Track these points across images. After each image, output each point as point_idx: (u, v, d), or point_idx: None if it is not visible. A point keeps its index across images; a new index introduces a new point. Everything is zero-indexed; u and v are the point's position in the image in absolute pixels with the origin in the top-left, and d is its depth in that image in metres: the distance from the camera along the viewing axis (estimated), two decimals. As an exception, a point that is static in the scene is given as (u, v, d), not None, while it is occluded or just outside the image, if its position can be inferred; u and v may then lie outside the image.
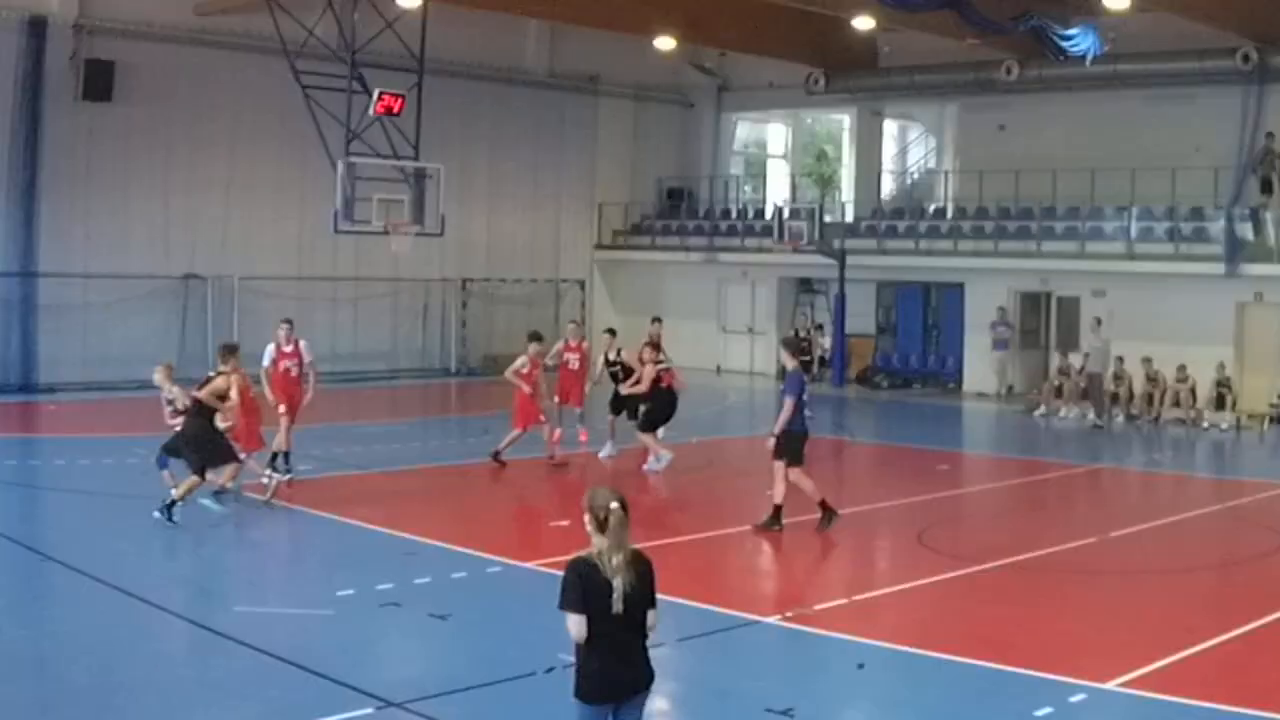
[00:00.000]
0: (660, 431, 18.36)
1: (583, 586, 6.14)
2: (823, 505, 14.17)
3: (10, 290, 25.42)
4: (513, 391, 17.77)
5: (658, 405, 18.12)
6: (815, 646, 10.20)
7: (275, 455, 15.80)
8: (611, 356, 18.97)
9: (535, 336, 18.22)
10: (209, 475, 13.48)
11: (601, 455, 18.65)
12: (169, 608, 10.63)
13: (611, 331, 20.35)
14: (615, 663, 6.20)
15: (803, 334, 25.34)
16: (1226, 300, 25.34)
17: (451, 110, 29.69)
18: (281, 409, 16.07)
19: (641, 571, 6.27)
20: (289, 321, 16.83)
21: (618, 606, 6.12)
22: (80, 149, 25.99)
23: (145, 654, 9.67)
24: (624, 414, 18.75)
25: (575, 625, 6.14)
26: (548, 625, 10.56)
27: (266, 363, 16.24)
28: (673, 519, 15.03)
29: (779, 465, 14.00)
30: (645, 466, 17.83)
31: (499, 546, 13.15)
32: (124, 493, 15.74)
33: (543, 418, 17.86)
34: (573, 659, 6.21)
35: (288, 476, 15.52)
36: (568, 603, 6.16)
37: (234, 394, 13.83)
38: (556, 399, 19.01)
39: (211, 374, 14.05)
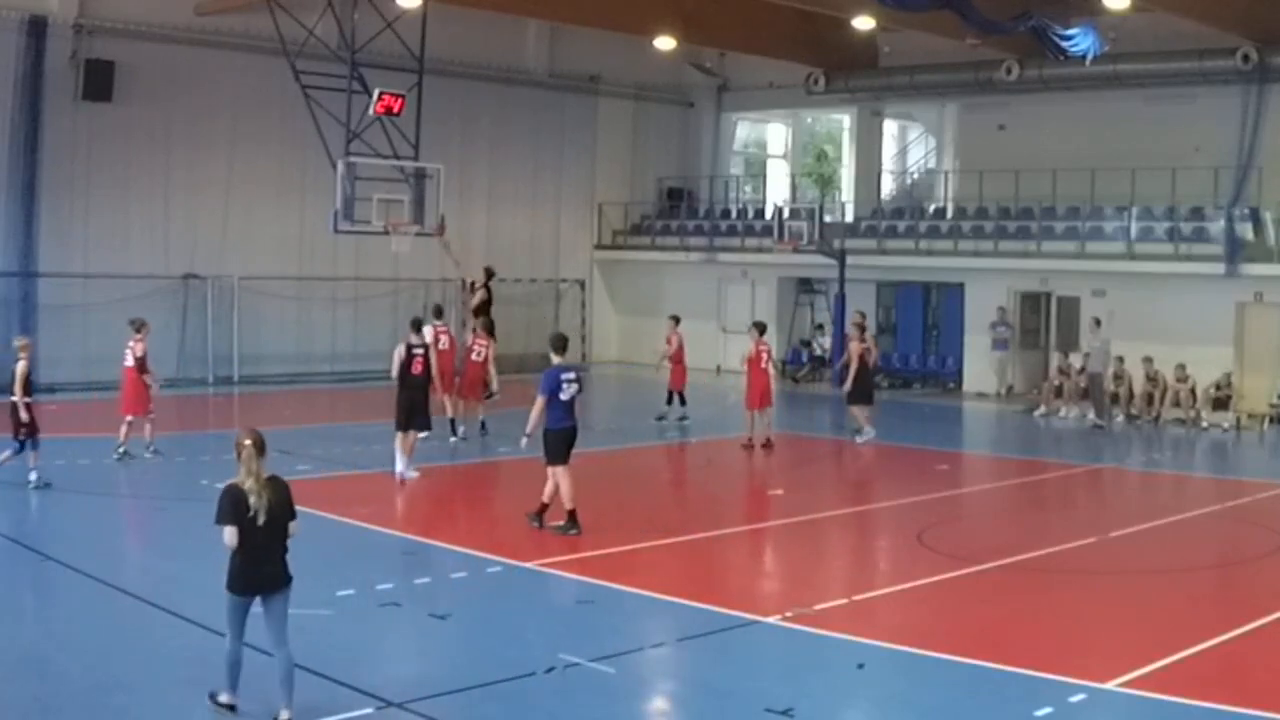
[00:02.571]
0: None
1: (233, 505, 7.99)
2: (572, 514, 13.67)
3: (10, 290, 25.41)
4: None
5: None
6: (815, 646, 10.19)
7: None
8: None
9: (761, 327, 21.00)
10: None
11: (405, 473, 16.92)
12: (169, 608, 10.62)
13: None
14: (258, 563, 8.08)
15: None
16: (1226, 300, 25.33)
17: (451, 110, 29.72)
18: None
19: (280, 493, 8.14)
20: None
21: (260, 519, 7.94)
22: (80, 149, 25.98)
23: (145, 654, 9.66)
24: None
25: (229, 535, 8.01)
26: (548, 625, 10.61)
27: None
28: (673, 519, 15.03)
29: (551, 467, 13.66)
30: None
31: (499, 546, 13.15)
32: (124, 493, 15.75)
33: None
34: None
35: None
36: (221, 517, 8.03)
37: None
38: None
39: None
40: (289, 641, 8.18)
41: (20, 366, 15.64)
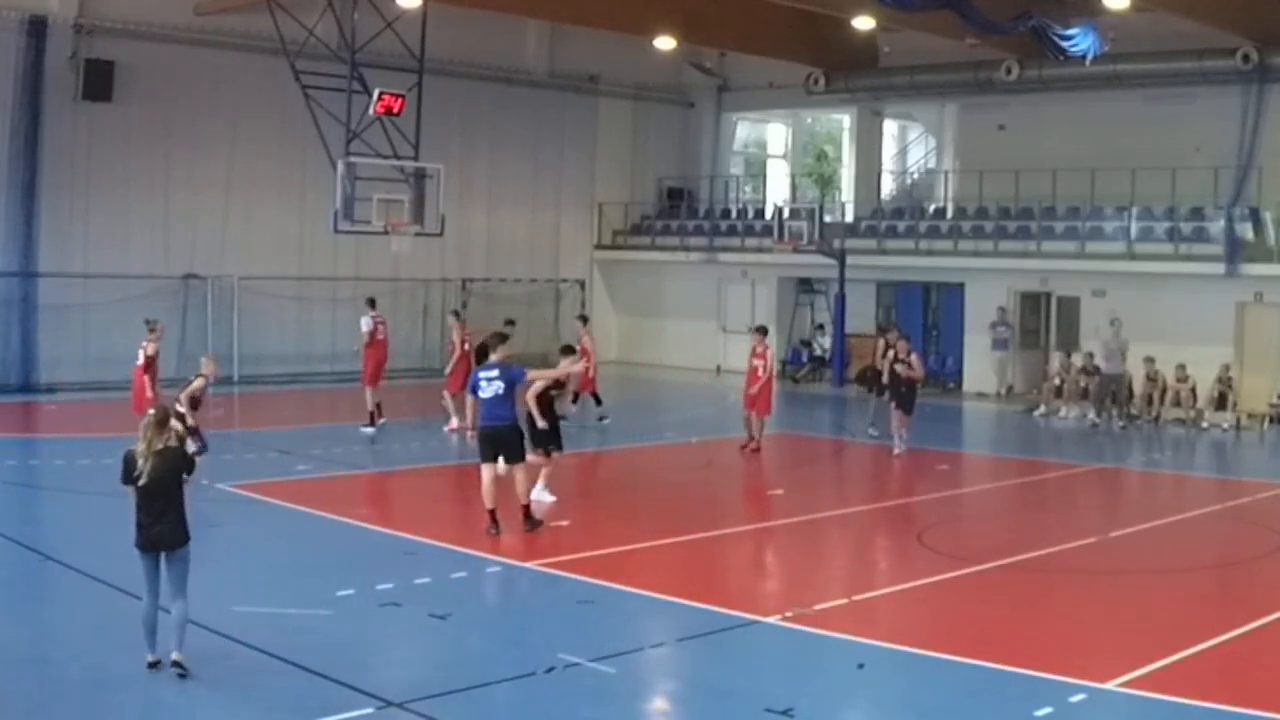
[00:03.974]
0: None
1: (125, 467, 9.02)
2: (491, 514, 13.53)
3: (10, 290, 25.40)
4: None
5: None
6: (815, 646, 10.19)
7: None
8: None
9: (763, 330, 20.68)
10: None
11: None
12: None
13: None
14: (150, 521, 8.97)
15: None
16: (1226, 300, 25.33)
17: (451, 110, 29.73)
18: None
19: (169, 461, 9.04)
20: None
21: (144, 480, 8.90)
22: (80, 149, 25.97)
23: (145, 653, 9.65)
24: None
25: (132, 494, 8.98)
26: (548, 625, 10.60)
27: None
28: (673, 519, 15.01)
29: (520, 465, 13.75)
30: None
31: (499, 546, 13.15)
32: (124, 493, 15.74)
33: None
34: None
35: None
36: (122, 479, 9.05)
37: None
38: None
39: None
40: (187, 596, 9.04)
41: (198, 384, 15.49)
